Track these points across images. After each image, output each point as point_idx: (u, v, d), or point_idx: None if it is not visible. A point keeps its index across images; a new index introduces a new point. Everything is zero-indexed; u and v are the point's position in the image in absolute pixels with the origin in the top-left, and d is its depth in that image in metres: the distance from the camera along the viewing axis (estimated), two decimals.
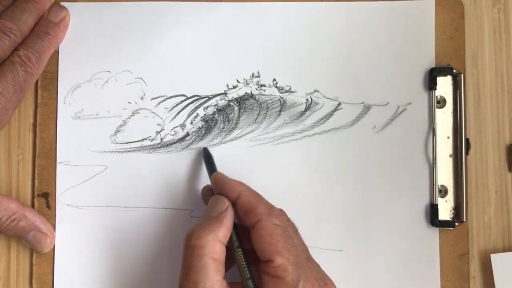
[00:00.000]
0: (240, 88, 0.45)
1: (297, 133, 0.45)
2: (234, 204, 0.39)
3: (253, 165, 0.45)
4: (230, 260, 0.39)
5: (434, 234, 0.44)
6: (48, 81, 0.45)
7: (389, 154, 0.45)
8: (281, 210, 0.39)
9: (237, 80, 0.45)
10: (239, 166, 0.45)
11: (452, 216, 0.44)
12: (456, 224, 0.44)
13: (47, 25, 0.44)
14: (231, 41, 0.45)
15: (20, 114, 0.45)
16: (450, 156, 0.45)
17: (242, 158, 0.45)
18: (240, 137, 0.45)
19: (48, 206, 0.44)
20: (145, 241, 0.44)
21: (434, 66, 0.45)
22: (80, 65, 0.45)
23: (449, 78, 0.45)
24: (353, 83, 0.45)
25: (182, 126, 0.45)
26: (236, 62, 0.45)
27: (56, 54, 0.45)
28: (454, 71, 0.45)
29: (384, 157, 0.45)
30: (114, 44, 0.45)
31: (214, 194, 0.40)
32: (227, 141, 0.45)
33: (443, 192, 0.44)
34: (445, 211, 0.44)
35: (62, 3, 0.45)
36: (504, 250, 0.44)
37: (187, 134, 0.45)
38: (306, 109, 0.45)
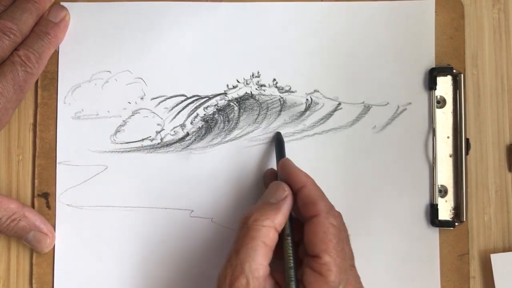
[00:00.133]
0: (240, 88, 0.45)
1: (297, 133, 0.45)
2: (295, 193, 0.39)
3: (253, 165, 0.45)
4: (277, 248, 0.39)
5: (434, 234, 0.44)
6: (48, 81, 0.45)
7: (389, 154, 0.45)
8: (339, 213, 0.39)
9: (237, 80, 0.45)
10: (239, 166, 0.45)
11: (452, 216, 0.44)
12: (456, 224, 0.44)
13: (47, 25, 0.44)
14: (231, 41, 0.45)
15: (20, 114, 0.45)
16: (450, 156, 0.45)
17: (242, 158, 0.45)
18: (240, 137, 0.45)
19: (48, 206, 0.44)
20: (145, 241, 0.44)
21: (434, 66, 0.45)
22: (80, 65, 0.45)
23: (449, 78, 0.45)
24: (353, 83, 0.45)
25: (182, 126, 0.45)
26: (236, 62, 0.45)
27: (56, 54, 0.45)
28: (454, 71, 0.45)
29: (384, 157, 0.45)
30: (114, 44, 0.45)
31: (278, 179, 0.41)
32: (227, 141, 0.45)
33: (443, 192, 0.44)
34: (445, 211, 0.44)
35: (62, 3, 0.45)
36: (504, 250, 0.44)
37: (187, 134, 0.45)
38: (306, 109, 0.45)
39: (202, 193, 0.44)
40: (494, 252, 0.44)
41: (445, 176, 0.45)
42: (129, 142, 0.45)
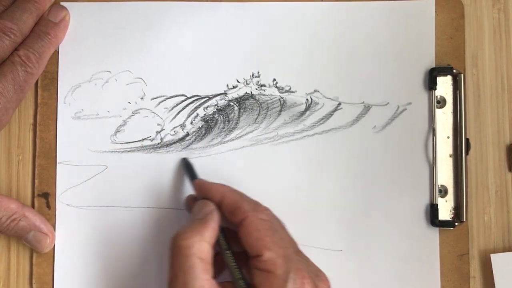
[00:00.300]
0: (240, 88, 0.45)
1: (297, 133, 0.45)
2: (219, 206, 0.39)
3: (253, 165, 0.45)
4: (220, 265, 0.39)
5: (434, 234, 0.44)
6: (48, 81, 0.45)
7: (389, 154, 0.45)
8: (266, 207, 0.39)
9: (237, 80, 0.45)
10: (239, 166, 0.45)
11: (452, 216, 0.44)
12: (456, 224, 0.44)
13: (47, 25, 0.44)
14: (231, 41, 0.45)
15: (20, 114, 0.45)
16: (450, 156, 0.45)
17: (242, 158, 0.45)
18: (240, 137, 0.45)
19: (48, 206, 0.44)
20: (145, 241, 0.44)
21: (434, 66, 0.45)
22: (80, 65, 0.45)
23: (449, 78, 0.45)
24: (353, 83, 0.45)
25: (182, 126, 0.45)
26: (236, 62, 0.45)
27: (56, 54, 0.45)
28: (454, 71, 0.45)
29: (384, 157, 0.45)
30: (114, 44, 0.45)
31: (198, 200, 0.40)
32: (227, 141, 0.45)
33: (443, 192, 0.44)
34: (445, 211, 0.44)
35: (62, 3, 0.45)
36: (504, 250, 0.44)
37: (187, 134, 0.45)
38: (306, 109, 0.45)
39: None
40: (494, 252, 0.44)
41: (445, 176, 0.45)
42: (129, 142, 0.45)
